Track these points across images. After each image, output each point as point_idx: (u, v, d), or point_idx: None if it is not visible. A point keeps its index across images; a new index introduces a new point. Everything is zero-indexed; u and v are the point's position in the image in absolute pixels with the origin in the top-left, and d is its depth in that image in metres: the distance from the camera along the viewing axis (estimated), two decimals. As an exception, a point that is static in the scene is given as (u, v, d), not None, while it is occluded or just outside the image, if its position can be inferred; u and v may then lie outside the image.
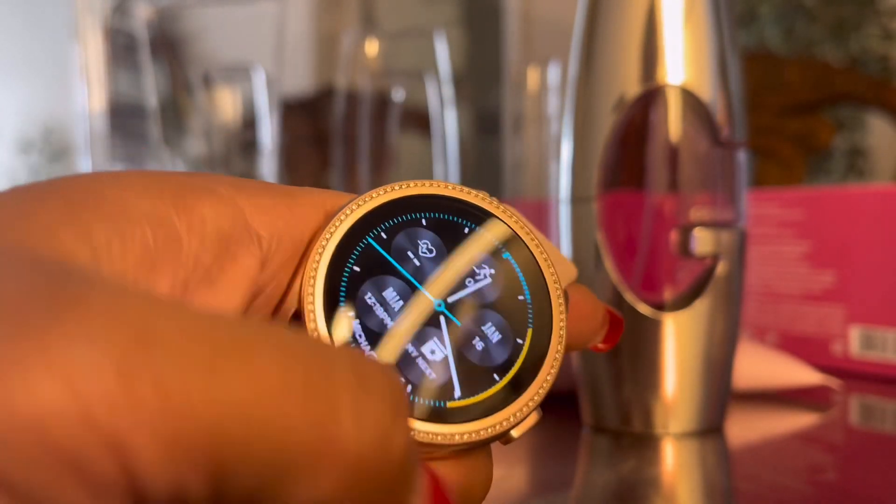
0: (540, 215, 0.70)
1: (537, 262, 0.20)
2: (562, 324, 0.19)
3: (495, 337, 0.19)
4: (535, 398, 0.18)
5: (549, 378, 0.19)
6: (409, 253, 0.19)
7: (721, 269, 0.35)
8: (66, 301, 0.11)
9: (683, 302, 0.35)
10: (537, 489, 0.34)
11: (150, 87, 0.77)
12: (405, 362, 0.18)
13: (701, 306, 0.35)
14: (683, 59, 0.34)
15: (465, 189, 0.20)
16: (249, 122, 0.77)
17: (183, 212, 0.16)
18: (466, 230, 0.20)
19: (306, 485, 0.12)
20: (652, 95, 0.35)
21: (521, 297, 0.19)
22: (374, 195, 0.19)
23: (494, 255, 0.20)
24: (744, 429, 0.38)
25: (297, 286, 0.18)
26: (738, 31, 0.36)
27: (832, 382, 0.43)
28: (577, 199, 0.36)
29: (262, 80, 0.75)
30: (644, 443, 0.35)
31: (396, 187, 0.20)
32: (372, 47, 0.77)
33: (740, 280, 0.36)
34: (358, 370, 0.13)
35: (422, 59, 0.77)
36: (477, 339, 0.19)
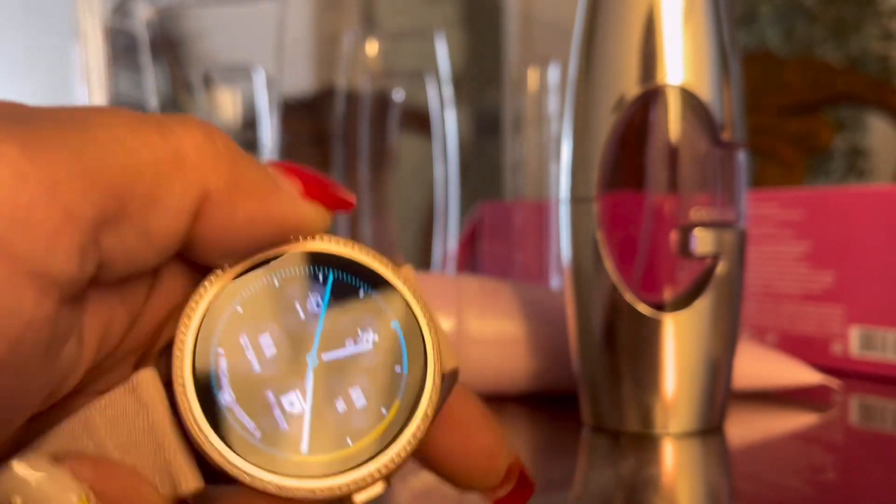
0: (540, 215, 0.70)
1: (424, 338, 0.19)
2: (431, 404, 0.19)
3: (360, 402, 0.19)
4: (382, 470, 0.18)
5: (401, 454, 0.18)
6: (297, 305, 0.19)
7: (721, 269, 0.35)
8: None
9: (683, 302, 0.35)
10: (536, 489, 0.34)
11: (151, 88, 0.77)
12: (261, 408, 0.18)
13: (701, 306, 0.35)
14: (683, 60, 0.34)
15: (377, 255, 0.20)
16: (250, 123, 0.77)
17: None
18: (361, 293, 0.19)
19: None
20: (652, 95, 0.35)
21: (398, 370, 0.19)
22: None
23: (382, 322, 0.19)
24: (743, 429, 0.38)
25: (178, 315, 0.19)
26: (738, 31, 0.36)
27: (832, 382, 0.43)
28: (576, 199, 0.36)
29: (263, 80, 0.75)
30: (643, 443, 0.35)
31: (308, 239, 0.20)
32: (372, 47, 0.77)
33: (740, 280, 0.36)
34: None
35: (422, 60, 0.77)
36: (340, 400, 0.19)
